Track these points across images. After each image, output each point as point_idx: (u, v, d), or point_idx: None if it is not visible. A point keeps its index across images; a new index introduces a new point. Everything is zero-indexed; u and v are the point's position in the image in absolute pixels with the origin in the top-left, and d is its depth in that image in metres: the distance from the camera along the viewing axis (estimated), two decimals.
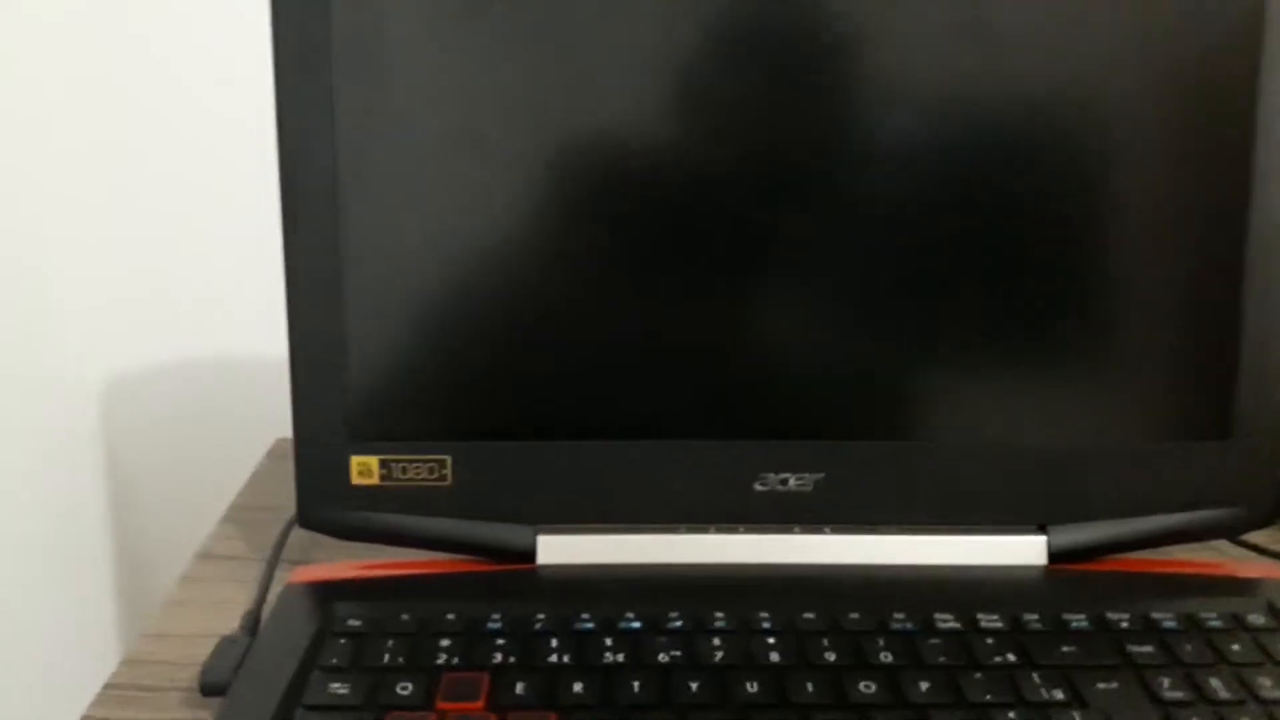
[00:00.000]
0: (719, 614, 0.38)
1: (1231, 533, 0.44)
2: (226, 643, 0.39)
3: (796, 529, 0.42)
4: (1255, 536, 0.45)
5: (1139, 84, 0.40)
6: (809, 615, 0.38)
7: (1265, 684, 0.35)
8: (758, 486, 0.42)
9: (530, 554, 0.41)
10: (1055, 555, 0.42)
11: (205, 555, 0.47)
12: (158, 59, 0.62)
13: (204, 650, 0.39)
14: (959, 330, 0.42)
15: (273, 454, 0.57)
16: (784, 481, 0.42)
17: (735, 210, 0.40)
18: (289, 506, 0.43)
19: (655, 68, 0.40)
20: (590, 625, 0.37)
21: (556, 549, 0.41)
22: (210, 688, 0.37)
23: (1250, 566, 0.43)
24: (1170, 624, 0.38)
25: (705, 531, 0.42)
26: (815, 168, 0.40)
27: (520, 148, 0.40)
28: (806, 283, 0.41)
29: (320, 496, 0.41)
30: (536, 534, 0.41)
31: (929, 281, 0.41)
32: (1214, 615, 0.38)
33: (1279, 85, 0.40)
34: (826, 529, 0.42)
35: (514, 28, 0.39)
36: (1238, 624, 0.38)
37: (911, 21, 0.39)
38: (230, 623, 0.41)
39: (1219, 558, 0.45)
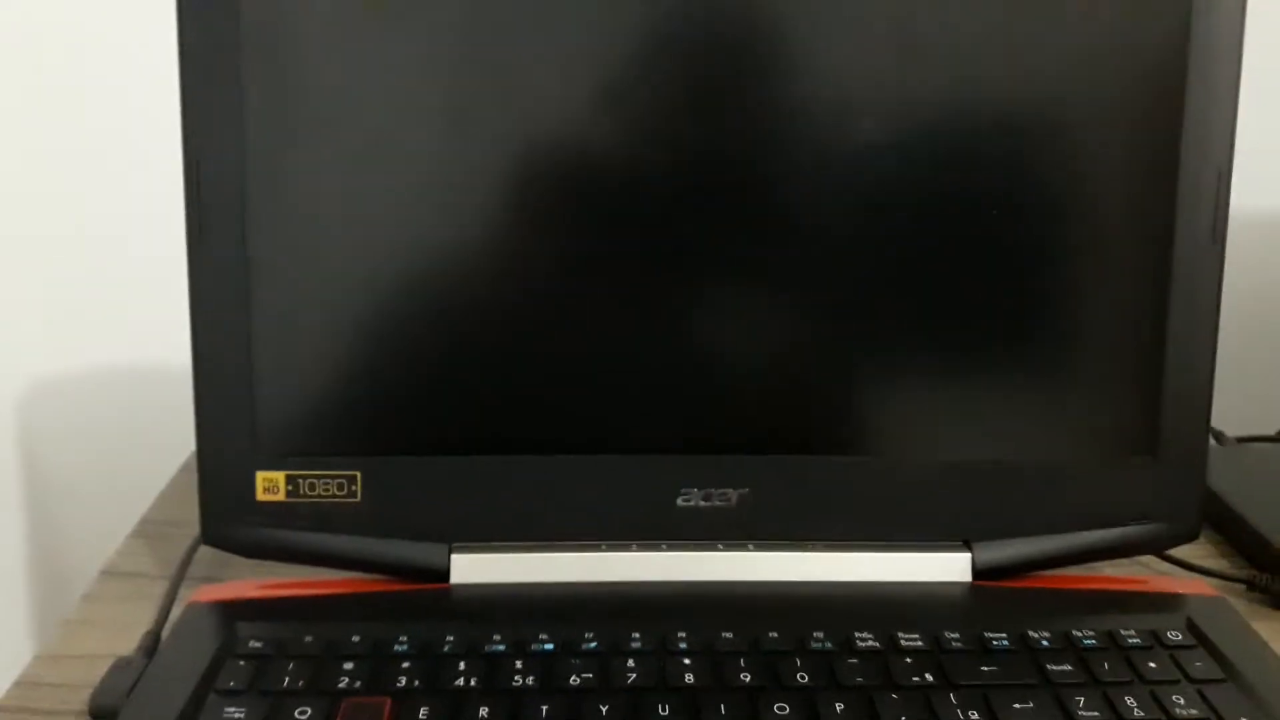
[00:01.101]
0: (635, 635, 0.37)
1: (1156, 548, 0.44)
2: (121, 664, 0.37)
3: (720, 545, 0.41)
4: (1180, 551, 0.44)
5: (1069, 99, 0.40)
6: (728, 635, 0.37)
7: (1179, 702, 0.34)
8: (680, 502, 0.41)
9: (444, 573, 0.40)
10: (980, 572, 0.41)
11: (110, 572, 0.46)
12: (64, 63, 0.60)
13: (101, 673, 0.37)
14: (885, 344, 0.41)
15: (188, 467, 0.55)
16: (707, 497, 0.41)
17: (660, 219, 0.40)
18: (198, 522, 0.42)
19: (583, 73, 0.39)
20: (501, 647, 0.36)
21: (471, 568, 0.40)
22: (100, 711, 0.35)
23: (1174, 583, 0.42)
24: (1090, 642, 0.37)
25: (627, 549, 0.41)
26: (746, 177, 0.39)
27: (435, 157, 0.39)
28: (732, 294, 0.40)
29: (225, 513, 0.40)
30: (450, 552, 0.40)
31: (856, 295, 0.40)
32: (1133, 633, 0.38)
33: (1202, 108, 0.40)
34: (750, 545, 0.41)
35: (432, 32, 0.38)
36: (1156, 641, 0.37)
37: (853, 30, 0.39)
38: (130, 643, 0.39)
39: (1145, 573, 0.45)
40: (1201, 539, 0.43)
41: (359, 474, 0.40)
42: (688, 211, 0.39)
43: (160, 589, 0.43)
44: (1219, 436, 0.56)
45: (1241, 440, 0.58)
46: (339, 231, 0.39)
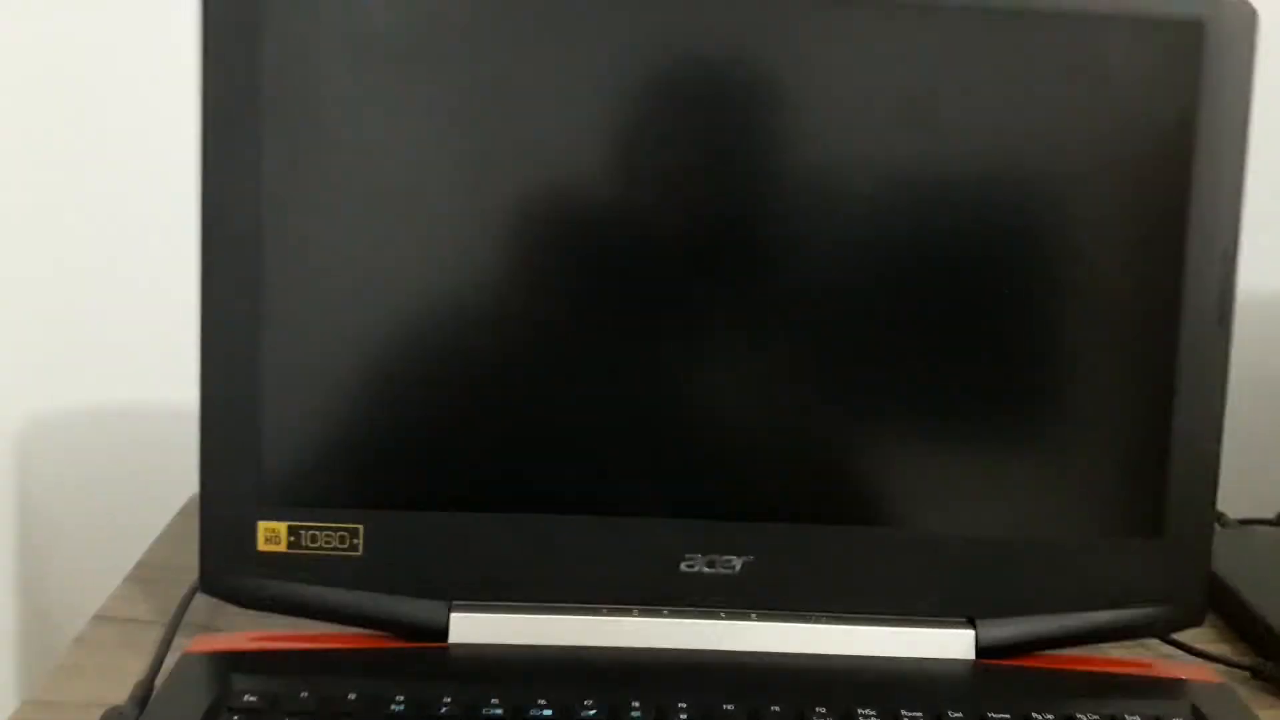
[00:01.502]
0: (635, 703, 0.36)
1: (1161, 631, 0.43)
2: (111, 716, 0.36)
3: (722, 613, 0.41)
4: (1184, 635, 0.44)
5: (1076, 178, 0.40)
6: (728, 707, 0.36)
7: None
8: (684, 567, 0.41)
9: (442, 632, 0.39)
10: (983, 650, 0.41)
11: (103, 618, 0.45)
12: (77, 100, 0.61)
13: None
14: (893, 416, 0.41)
15: (186, 510, 0.54)
16: (711, 563, 0.41)
17: (670, 283, 0.40)
18: (196, 568, 0.41)
19: (595, 132, 0.39)
20: (499, 711, 0.36)
21: (470, 627, 0.40)
22: None
23: (1177, 667, 0.42)
24: None
25: (628, 613, 0.40)
26: (754, 243, 0.40)
27: (446, 213, 0.39)
28: (741, 361, 0.40)
29: (225, 561, 0.40)
30: (450, 610, 0.40)
31: (865, 366, 0.41)
32: (1138, 718, 0.37)
33: (1209, 190, 0.40)
34: (753, 614, 0.41)
35: (449, 85, 0.39)
36: None
37: (865, 98, 0.39)
38: (122, 691, 0.39)
39: (1149, 655, 0.44)
40: (1205, 623, 0.43)
41: (362, 527, 0.39)
42: (698, 276, 0.40)
43: (154, 635, 0.43)
44: (1221, 519, 0.56)
45: (1243, 523, 0.58)
46: (351, 283, 0.39)
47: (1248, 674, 0.44)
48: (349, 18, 0.38)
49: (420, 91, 0.39)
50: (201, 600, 0.43)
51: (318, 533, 0.39)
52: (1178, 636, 0.44)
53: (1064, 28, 0.39)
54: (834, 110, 0.40)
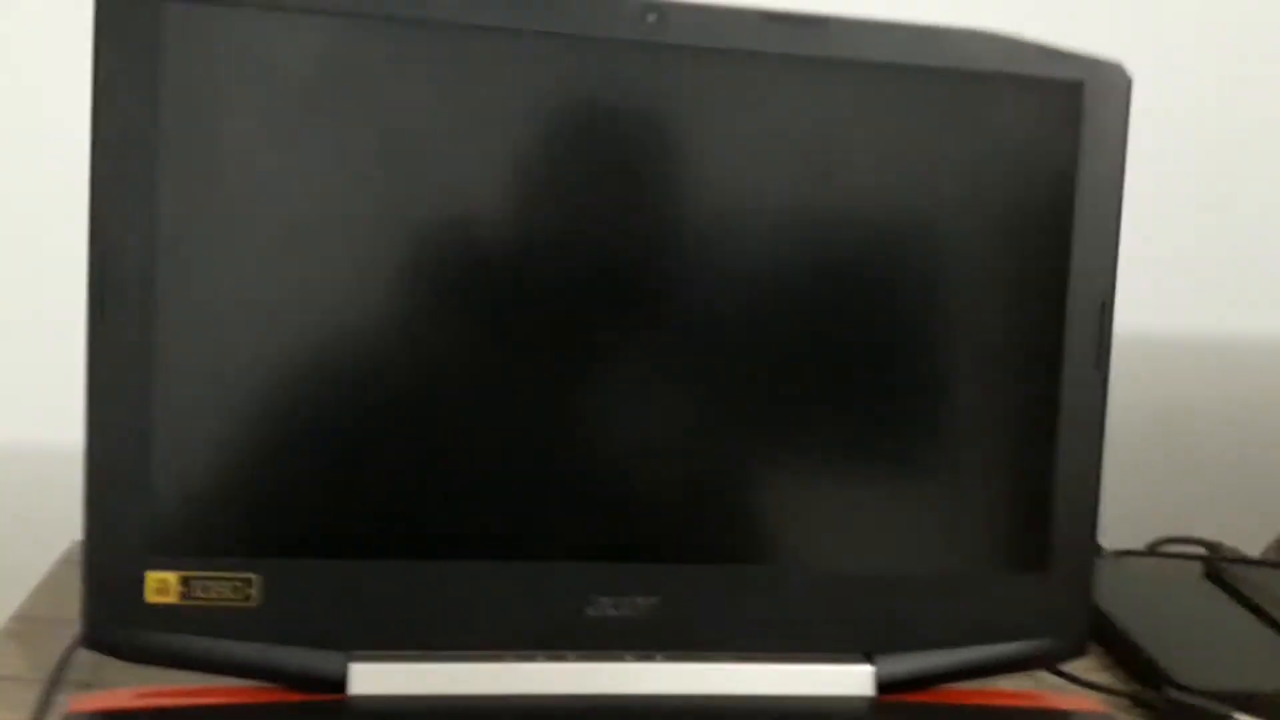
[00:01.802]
0: None
1: (1048, 663, 0.45)
2: None
3: (629, 656, 0.41)
4: (1070, 665, 0.46)
5: (963, 228, 0.42)
6: None
7: None
8: (589, 611, 0.41)
9: (340, 683, 0.38)
10: (883, 685, 0.42)
11: None
12: None
13: None
14: (793, 456, 0.42)
15: (67, 559, 0.52)
16: (617, 605, 0.41)
17: (570, 325, 0.40)
18: (78, 621, 0.39)
19: (493, 175, 0.39)
20: None
21: (370, 678, 0.39)
22: None
23: (1065, 699, 0.44)
24: None
25: (533, 659, 0.40)
26: (652, 279, 0.40)
27: (346, 251, 0.39)
28: (640, 401, 0.41)
29: (110, 614, 0.38)
30: (348, 661, 0.39)
31: (762, 406, 0.41)
32: None
33: (1089, 237, 0.42)
34: (659, 656, 0.41)
35: (349, 123, 0.38)
36: None
37: (754, 146, 0.40)
38: None
39: (1035, 686, 0.46)
40: (1088, 652, 0.45)
41: (257, 577, 0.38)
42: (598, 317, 0.40)
43: (33, 694, 0.40)
44: (1097, 550, 0.58)
45: (1119, 554, 0.60)
46: (247, 323, 0.38)
47: (1128, 701, 0.46)
48: (248, 50, 0.37)
49: (321, 128, 0.38)
50: (84, 654, 0.41)
51: (210, 582, 0.38)
52: (1067, 667, 0.46)
53: (952, 84, 0.41)
54: (730, 155, 0.40)
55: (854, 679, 0.42)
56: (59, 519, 0.54)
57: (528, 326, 0.40)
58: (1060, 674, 0.46)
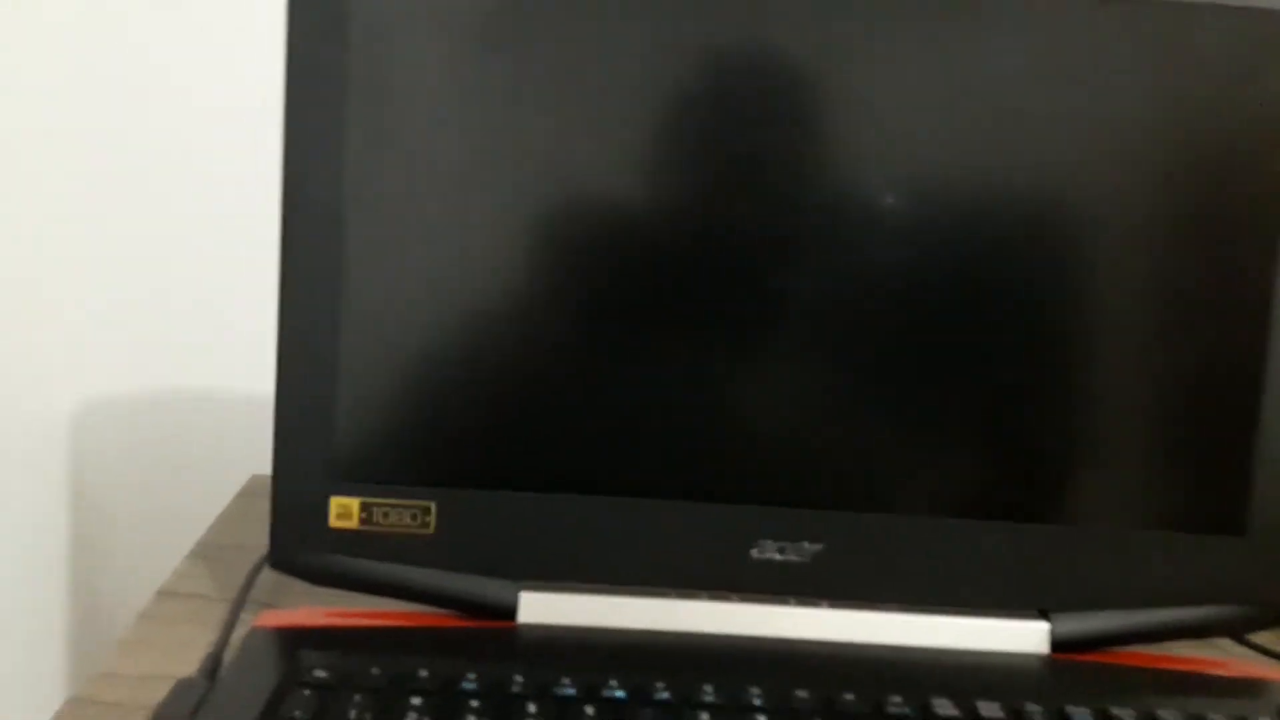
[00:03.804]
0: (708, 687, 0.36)
1: (1240, 631, 0.43)
2: (184, 686, 0.36)
3: (792, 600, 0.40)
4: (1260, 637, 0.43)
5: (1163, 166, 0.40)
6: (802, 694, 0.36)
7: None
8: (754, 554, 0.40)
9: (511, 611, 0.39)
10: (1057, 644, 0.40)
11: (167, 593, 0.45)
12: (156, 87, 0.61)
13: (157, 693, 0.36)
14: (969, 406, 0.40)
15: (246, 491, 0.55)
16: (781, 550, 0.40)
17: (735, 273, 0.39)
18: (259, 546, 0.41)
19: (660, 126, 0.39)
20: (572, 691, 0.35)
21: (539, 607, 0.39)
22: None
23: (1255, 667, 0.41)
24: None
25: (696, 598, 0.40)
26: (818, 231, 0.39)
27: (526, 199, 0.39)
28: (810, 349, 0.40)
29: (295, 537, 0.39)
30: (519, 590, 0.39)
31: (940, 355, 0.40)
32: (1222, 717, 0.36)
33: None
34: (823, 602, 0.40)
35: (527, 81, 0.38)
36: None
37: (913, 100, 0.39)
38: (188, 665, 0.39)
39: (1221, 655, 0.44)
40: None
41: (434, 505, 0.39)
42: (766, 267, 0.39)
43: (218, 612, 0.43)
44: None
45: None
46: (428, 264, 0.39)
47: None
48: (430, 6, 0.38)
49: (500, 79, 0.38)
50: (265, 577, 0.44)
51: (389, 510, 0.39)
52: (1253, 637, 0.43)
53: (1154, 18, 0.39)
54: (887, 101, 0.39)
55: (1028, 636, 0.40)
56: (237, 457, 0.57)
57: (696, 275, 0.39)
58: (1247, 643, 0.44)
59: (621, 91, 0.38)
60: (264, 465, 0.40)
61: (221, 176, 0.61)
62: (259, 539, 0.41)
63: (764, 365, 0.40)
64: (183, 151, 0.62)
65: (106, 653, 0.41)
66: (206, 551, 0.49)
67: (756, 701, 0.35)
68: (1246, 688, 0.39)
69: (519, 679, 0.36)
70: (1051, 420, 0.41)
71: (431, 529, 0.39)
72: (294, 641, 0.38)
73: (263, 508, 0.40)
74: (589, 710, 0.34)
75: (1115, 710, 0.36)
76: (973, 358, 0.40)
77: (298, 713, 0.34)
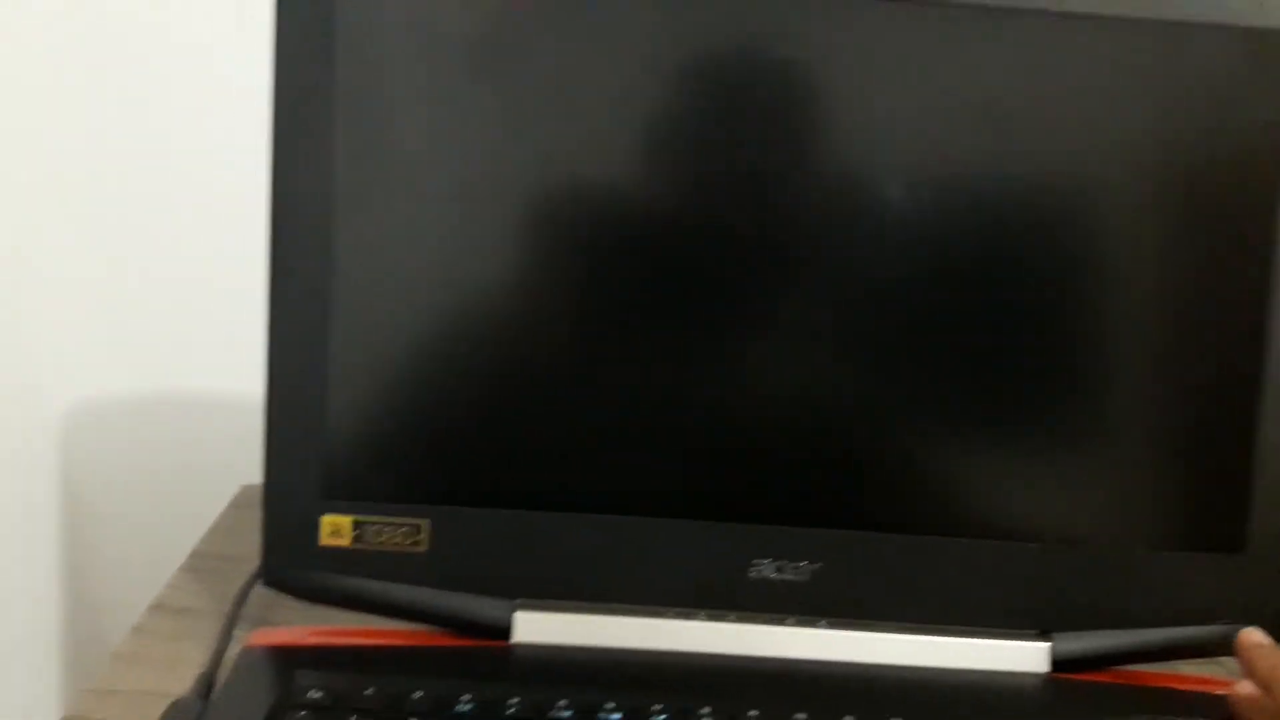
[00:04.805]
0: (706, 708, 0.36)
1: None
2: (180, 706, 0.36)
3: (790, 620, 0.40)
4: None
5: (1161, 179, 0.39)
6: (800, 715, 0.36)
7: None
8: (751, 573, 0.40)
9: (505, 630, 0.39)
10: (1058, 663, 0.40)
11: (159, 607, 0.45)
12: (146, 90, 0.61)
13: (151, 711, 0.36)
14: (967, 425, 0.40)
15: (237, 502, 0.54)
16: (779, 569, 0.40)
17: (731, 290, 0.39)
18: (252, 559, 0.41)
19: (654, 131, 0.38)
20: (568, 713, 0.35)
21: (534, 627, 0.39)
22: None
23: (1253, 687, 0.41)
24: None
25: (694, 617, 0.40)
26: (817, 245, 0.39)
27: (516, 208, 0.38)
28: (808, 368, 0.40)
29: (287, 554, 0.39)
30: (514, 609, 0.39)
31: (938, 372, 0.40)
32: None
33: None
34: (821, 622, 0.40)
35: (514, 85, 0.38)
36: None
37: (914, 94, 0.38)
38: (180, 682, 0.38)
39: (1223, 674, 0.43)
40: None
41: (427, 523, 0.39)
42: (762, 283, 0.39)
43: (211, 627, 0.42)
44: None
45: None
46: (418, 278, 0.39)
47: None
48: (416, 15, 0.38)
49: (488, 87, 0.38)
50: (257, 592, 0.43)
51: (382, 527, 0.39)
52: None
53: (1152, 35, 0.38)
54: (888, 97, 0.38)
55: (1028, 655, 0.40)
56: (227, 465, 0.56)
57: (693, 290, 0.39)
58: None
59: (612, 93, 0.38)
60: (255, 473, 0.39)
61: (221, 180, 0.60)
62: (250, 551, 0.40)
63: (761, 384, 0.40)
64: (179, 157, 0.61)
65: (99, 666, 0.41)
66: (198, 564, 0.48)
67: None
68: None
69: (515, 700, 0.35)
70: (1050, 439, 0.40)
71: (425, 547, 0.39)
72: (288, 661, 0.37)
73: (254, 519, 0.39)
74: None
75: None
76: (971, 375, 0.40)
77: None
